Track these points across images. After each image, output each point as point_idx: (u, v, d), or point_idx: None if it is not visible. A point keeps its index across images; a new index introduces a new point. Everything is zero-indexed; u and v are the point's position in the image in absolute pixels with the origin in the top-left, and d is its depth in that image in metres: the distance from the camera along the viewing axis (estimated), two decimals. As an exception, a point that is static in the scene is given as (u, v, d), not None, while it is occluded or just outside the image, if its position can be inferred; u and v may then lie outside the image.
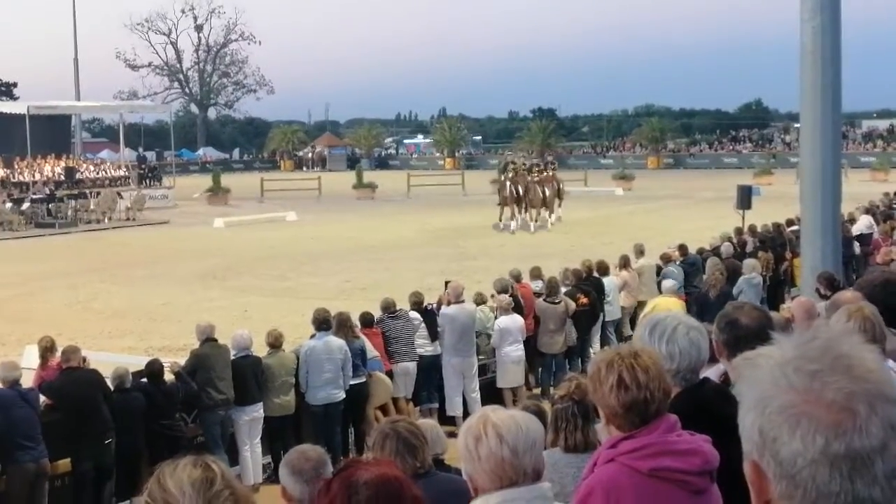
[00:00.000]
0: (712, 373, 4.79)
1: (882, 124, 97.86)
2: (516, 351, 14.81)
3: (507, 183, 36.36)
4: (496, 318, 14.99)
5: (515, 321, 14.80)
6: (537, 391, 15.55)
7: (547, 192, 37.00)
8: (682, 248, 19.65)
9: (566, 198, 40.57)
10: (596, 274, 17.24)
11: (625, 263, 18.31)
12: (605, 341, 16.73)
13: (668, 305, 14.81)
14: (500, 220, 36.69)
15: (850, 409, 1.58)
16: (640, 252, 18.88)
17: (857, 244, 21.50)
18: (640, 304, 17.77)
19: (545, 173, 38.82)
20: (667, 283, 16.22)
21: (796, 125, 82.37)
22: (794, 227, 20.43)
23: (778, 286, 20.18)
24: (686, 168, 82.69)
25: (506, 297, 15.01)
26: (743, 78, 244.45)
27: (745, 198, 24.99)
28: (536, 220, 36.64)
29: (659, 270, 18.74)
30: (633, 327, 17.48)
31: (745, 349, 4.04)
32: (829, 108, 11.18)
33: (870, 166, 63.83)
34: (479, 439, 3.27)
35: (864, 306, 4.98)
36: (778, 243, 20.99)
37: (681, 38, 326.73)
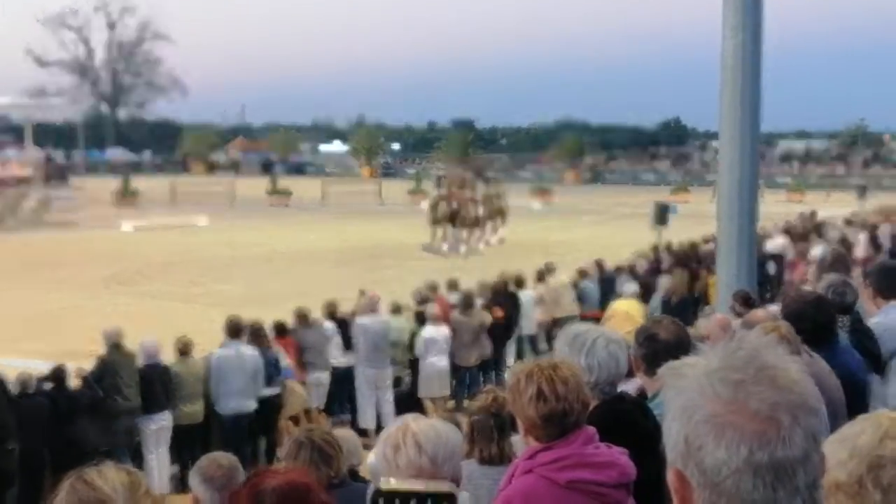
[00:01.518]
0: (629, 387, 4.83)
1: (798, 145, 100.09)
2: (441, 361, 14.80)
3: (441, 201, 33.25)
4: (413, 327, 15.02)
5: (441, 331, 14.80)
6: (451, 404, 15.53)
7: (481, 211, 34.09)
8: (599, 264, 19.84)
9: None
10: (512, 288, 17.30)
11: (540, 278, 18.41)
12: (520, 355, 16.78)
13: (627, 308, 15.10)
14: (432, 241, 33.49)
15: (774, 419, 1.60)
16: (549, 270, 18.94)
17: (773, 263, 21.81)
18: (556, 321, 17.90)
19: (487, 188, 36.46)
20: (627, 288, 16.59)
21: (714, 143, 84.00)
22: (710, 245, 20.72)
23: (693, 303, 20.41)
24: (604, 183, 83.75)
25: (434, 307, 15.02)
26: (662, 96, 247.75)
27: (661, 215, 25.27)
28: (467, 242, 33.48)
29: (576, 286, 18.88)
30: (548, 342, 17.60)
31: (663, 363, 4.07)
32: (748, 125, 11.31)
33: (786, 187, 65.05)
34: (399, 448, 3.26)
35: (781, 325, 5.04)
36: (693, 261, 21.27)
37: (601, 53, 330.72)
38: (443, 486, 3.24)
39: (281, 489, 2.89)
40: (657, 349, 4.53)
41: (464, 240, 33.42)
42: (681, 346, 4.43)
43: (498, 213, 35.62)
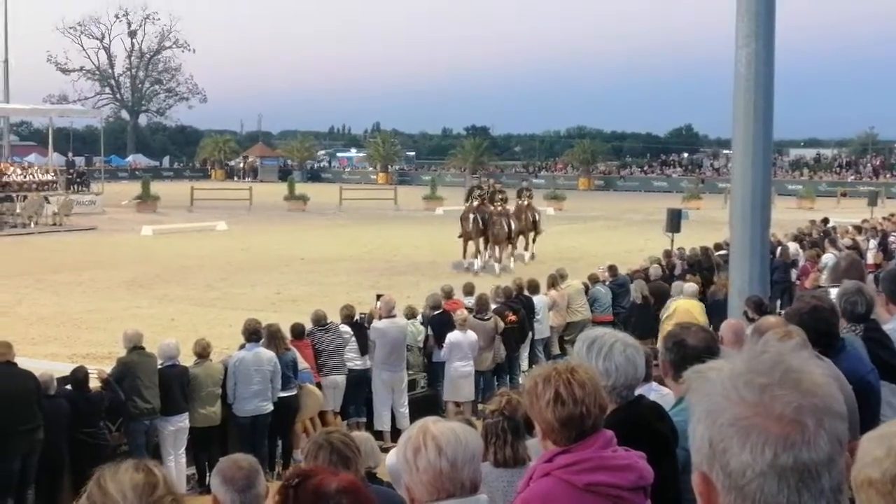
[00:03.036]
0: (643, 391, 4.84)
1: (809, 153, 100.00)
2: (465, 366, 14.83)
3: (470, 214, 29.59)
4: (427, 332, 15.08)
5: (468, 337, 14.82)
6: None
7: (513, 225, 30.35)
8: (612, 269, 19.84)
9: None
10: (526, 292, 17.30)
11: (553, 283, 18.40)
12: (533, 359, 16.78)
13: (687, 307, 15.35)
14: (465, 258, 29.87)
15: (799, 422, 1.61)
16: (561, 276, 18.92)
17: (795, 270, 21.77)
18: (570, 325, 17.92)
19: (520, 201, 32.69)
20: (687, 288, 16.62)
21: (725, 151, 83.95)
22: (722, 252, 20.70)
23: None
24: (616, 190, 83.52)
25: (463, 313, 15.05)
26: (674, 103, 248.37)
27: (674, 221, 25.19)
28: (501, 261, 29.73)
29: (588, 290, 18.89)
30: (561, 347, 17.62)
31: (691, 369, 4.09)
32: (761, 133, 11.31)
33: (796, 194, 64.94)
34: (419, 451, 3.27)
35: (793, 330, 5.04)
36: (705, 266, 21.23)
37: (614, 62, 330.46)
38: None
39: (346, 490, 2.91)
40: (685, 355, 4.54)
41: (496, 258, 29.97)
42: (709, 352, 4.43)
43: (531, 227, 32.55)
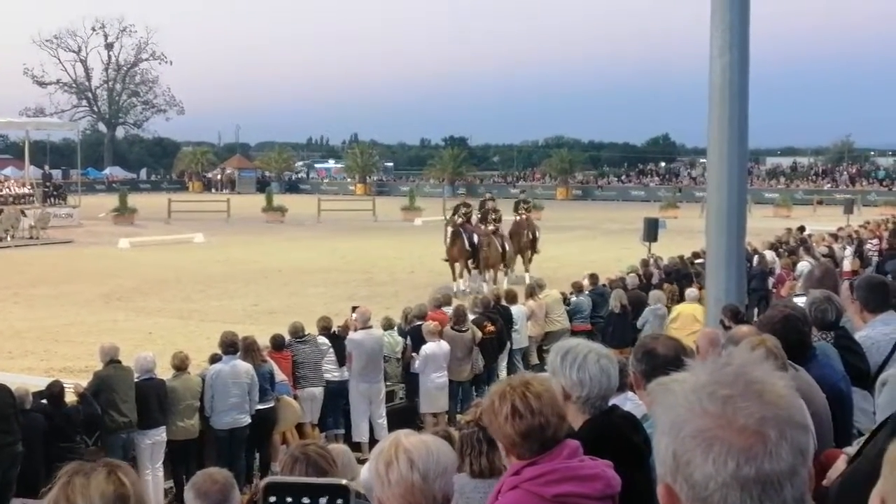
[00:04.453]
0: (618, 401, 4.84)
1: (785, 161, 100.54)
2: (440, 377, 14.84)
3: (455, 236, 26.91)
4: (405, 342, 15.07)
5: (442, 347, 14.82)
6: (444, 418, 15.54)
7: (507, 247, 27.61)
8: (593, 278, 19.93)
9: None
10: (504, 302, 17.33)
11: (531, 293, 18.45)
12: (512, 369, 16.75)
13: (692, 311, 15.53)
14: (455, 281, 26.92)
15: (761, 433, 1.62)
16: (539, 286, 18.97)
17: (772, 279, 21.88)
18: (549, 335, 17.94)
19: (518, 215, 29.95)
20: (689, 293, 16.89)
21: (702, 160, 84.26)
22: (700, 260, 20.78)
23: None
24: (594, 199, 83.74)
25: (432, 324, 15.04)
26: (651, 113, 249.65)
27: (651, 230, 25.28)
28: (495, 282, 26.66)
29: (567, 300, 18.94)
30: (540, 356, 17.64)
31: (662, 378, 4.09)
32: (736, 143, 11.36)
33: (773, 202, 65.27)
34: (390, 464, 3.26)
35: (767, 338, 5.05)
36: (683, 275, 21.31)
37: (591, 71, 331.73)
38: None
39: None
40: (655, 364, 4.53)
41: (490, 281, 27.06)
42: (679, 362, 4.43)
43: (529, 245, 29.35)
